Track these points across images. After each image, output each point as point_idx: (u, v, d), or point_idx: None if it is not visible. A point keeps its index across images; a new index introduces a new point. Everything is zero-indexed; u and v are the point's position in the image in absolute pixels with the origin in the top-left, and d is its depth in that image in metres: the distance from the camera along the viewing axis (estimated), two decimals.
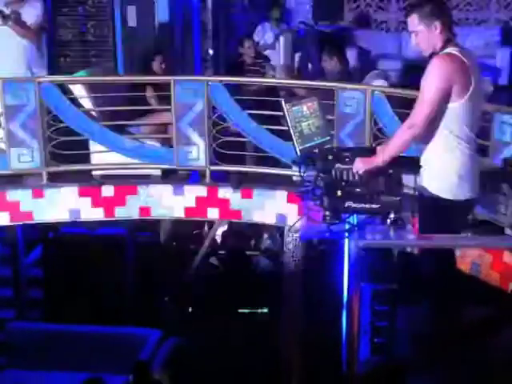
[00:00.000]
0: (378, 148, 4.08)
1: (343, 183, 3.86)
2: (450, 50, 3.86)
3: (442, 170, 3.94)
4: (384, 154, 3.86)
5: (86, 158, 6.59)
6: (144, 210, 6.54)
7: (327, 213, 3.86)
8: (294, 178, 5.95)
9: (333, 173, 3.88)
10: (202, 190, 6.49)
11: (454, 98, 3.82)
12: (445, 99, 3.81)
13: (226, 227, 9.61)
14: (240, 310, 8.49)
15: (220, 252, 9.61)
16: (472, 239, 4.66)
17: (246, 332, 7.99)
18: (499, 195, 5.35)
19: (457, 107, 3.83)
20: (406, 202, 3.85)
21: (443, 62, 3.81)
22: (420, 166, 3.94)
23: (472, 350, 3.48)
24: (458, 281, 4.11)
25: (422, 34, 3.90)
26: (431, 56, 3.90)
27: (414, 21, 3.90)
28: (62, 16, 9.05)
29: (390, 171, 3.84)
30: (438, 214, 3.93)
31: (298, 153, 3.99)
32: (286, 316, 7.05)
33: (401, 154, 3.92)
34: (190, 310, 8.70)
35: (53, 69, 8.58)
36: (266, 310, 8.54)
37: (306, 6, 11.46)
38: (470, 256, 5.38)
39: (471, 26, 11.52)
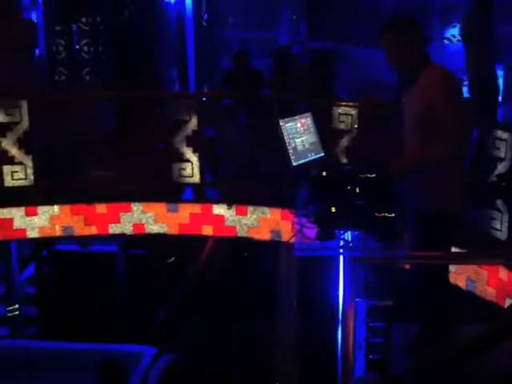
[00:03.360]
0: None
1: (337, 199, 3.84)
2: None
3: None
4: None
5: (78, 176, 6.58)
6: (138, 227, 6.53)
7: (321, 229, 3.84)
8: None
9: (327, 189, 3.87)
10: (196, 207, 6.48)
11: None
12: None
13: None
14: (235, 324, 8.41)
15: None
16: (464, 255, 4.64)
17: (243, 347, 7.93)
18: (494, 211, 5.35)
19: None
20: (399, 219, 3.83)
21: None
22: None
23: (467, 366, 3.46)
24: (451, 296, 4.08)
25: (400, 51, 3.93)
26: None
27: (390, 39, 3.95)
28: (55, 33, 9.04)
29: (383, 188, 3.83)
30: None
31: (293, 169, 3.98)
32: (281, 332, 7.02)
33: None
34: (186, 326, 8.64)
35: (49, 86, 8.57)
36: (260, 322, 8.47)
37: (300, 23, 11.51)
38: (466, 272, 5.36)
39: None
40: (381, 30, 3.99)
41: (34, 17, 8.36)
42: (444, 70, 3.97)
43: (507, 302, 5.12)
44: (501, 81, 10.59)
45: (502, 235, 5.30)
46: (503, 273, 5.18)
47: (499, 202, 5.30)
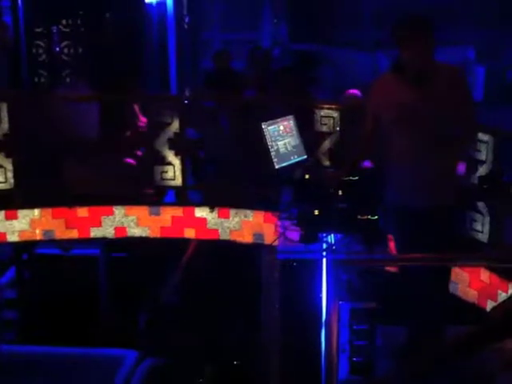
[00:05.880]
0: None
1: (320, 202, 3.84)
2: None
3: None
4: None
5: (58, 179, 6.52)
6: (120, 230, 6.49)
7: (304, 232, 3.84)
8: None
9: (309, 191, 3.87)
10: (178, 210, 6.45)
11: None
12: None
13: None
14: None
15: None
16: (446, 257, 4.65)
17: (224, 351, 7.91)
18: (475, 213, 5.37)
19: None
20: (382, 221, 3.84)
21: None
22: None
23: (452, 368, 3.46)
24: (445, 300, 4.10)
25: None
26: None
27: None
28: (35, 35, 8.98)
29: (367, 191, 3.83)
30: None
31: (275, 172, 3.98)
32: (264, 335, 6.99)
33: None
34: (167, 330, 8.60)
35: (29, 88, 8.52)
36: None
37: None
38: None
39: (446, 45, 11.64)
40: (414, 26, 4.00)
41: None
42: (456, 66, 4.23)
43: (489, 304, 5.14)
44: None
45: (484, 237, 5.33)
46: (485, 275, 5.20)
47: (481, 205, 5.32)
